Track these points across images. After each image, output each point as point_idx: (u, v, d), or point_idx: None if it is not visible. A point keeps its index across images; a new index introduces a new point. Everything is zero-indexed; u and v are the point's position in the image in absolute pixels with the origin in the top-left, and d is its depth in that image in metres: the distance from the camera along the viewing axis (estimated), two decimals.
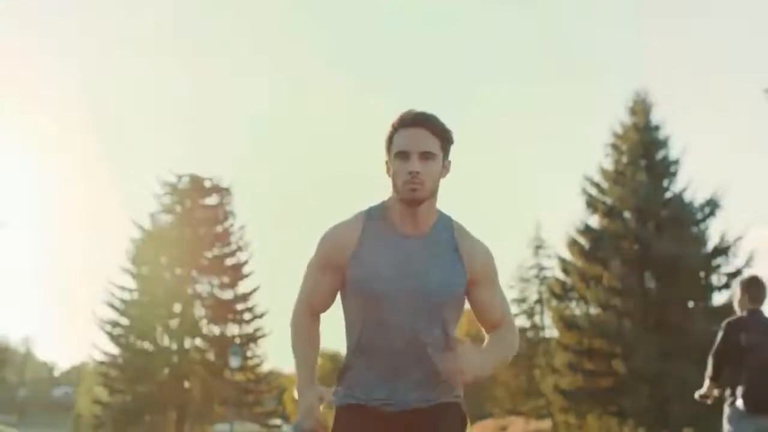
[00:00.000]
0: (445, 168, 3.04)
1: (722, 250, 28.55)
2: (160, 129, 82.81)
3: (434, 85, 78.45)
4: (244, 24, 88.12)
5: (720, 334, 6.29)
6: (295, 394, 3.05)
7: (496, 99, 79.65)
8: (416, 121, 2.99)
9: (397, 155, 2.98)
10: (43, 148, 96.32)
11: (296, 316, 3.12)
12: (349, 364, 3.08)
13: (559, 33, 76.26)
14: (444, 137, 3.01)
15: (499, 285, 3.16)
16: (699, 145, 64.88)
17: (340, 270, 3.03)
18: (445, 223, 3.07)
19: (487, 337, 3.16)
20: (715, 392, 6.37)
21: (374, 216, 3.06)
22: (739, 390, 6.07)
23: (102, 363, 36.67)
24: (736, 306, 6.41)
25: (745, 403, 5.98)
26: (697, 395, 6.47)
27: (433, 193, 3.01)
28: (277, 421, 41.85)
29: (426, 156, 2.96)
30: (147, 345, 36.02)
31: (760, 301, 6.30)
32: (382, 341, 2.98)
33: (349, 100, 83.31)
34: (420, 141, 2.96)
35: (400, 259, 2.98)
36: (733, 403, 6.15)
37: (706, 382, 6.37)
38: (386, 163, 3.06)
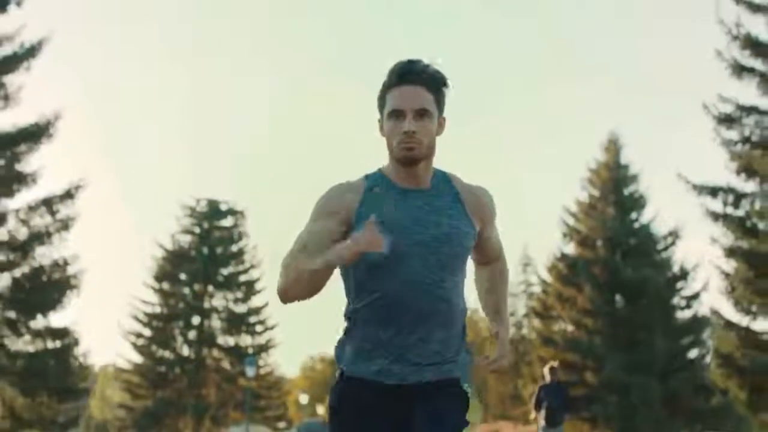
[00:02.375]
0: (441, 125, 2.99)
1: (682, 276, 33.63)
2: (166, 141, 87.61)
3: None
4: (245, 25, 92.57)
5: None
6: (314, 265, 2.82)
7: (495, 105, 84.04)
8: (410, 78, 2.93)
9: (391, 114, 2.93)
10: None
11: (288, 263, 2.90)
12: (355, 329, 3.01)
13: (559, 38, 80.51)
14: (439, 92, 2.97)
15: (495, 223, 3.18)
16: (667, 179, 69.74)
17: (345, 223, 2.95)
18: (442, 176, 3.06)
19: (480, 270, 3.28)
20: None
21: (374, 177, 3.03)
22: None
23: (126, 370, 41.63)
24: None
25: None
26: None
27: (431, 152, 2.98)
28: (282, 424, 46.82)
29: (421, 114, 2.91)
30: (167, 354, 40.78)
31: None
32: (396, 298, 2.91)
33: (351, 104, 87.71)
34: (415, 99, 2.91)
35: (407, 212, 2.94)
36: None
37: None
38: (379, 122, 3.01)
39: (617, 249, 33.86)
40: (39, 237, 20.29)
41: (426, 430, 2.91)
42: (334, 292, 3.10)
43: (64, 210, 20.60)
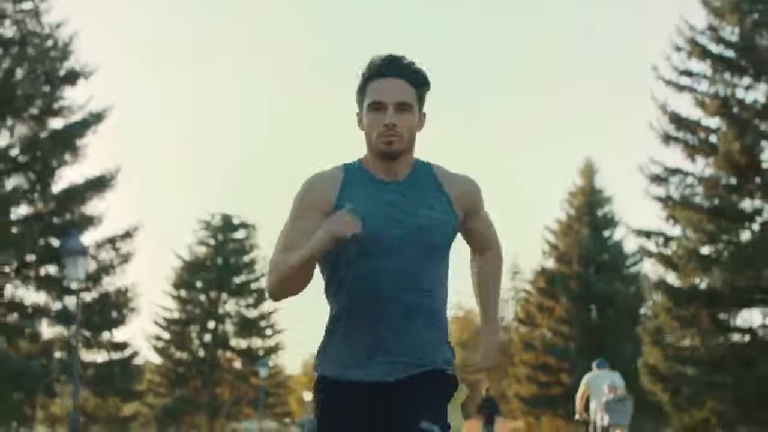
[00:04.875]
0: (420, 121, 3.04)
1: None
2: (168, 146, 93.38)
3: (434, 87, 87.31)
4: (245, 25, 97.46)
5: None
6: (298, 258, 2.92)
7: (493, 107, 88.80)
8: (391, 70, 2.98)
9: (371, 107, 2.97)
10: None
11: (274, 263, 2.99)
12: (333, 328, 3.05)
13: (558, 41, 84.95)
14: (420, 86, 3.01)
15: (485, 210, 3.22)
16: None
17: (324, 214, 2.99)
18: (423, 167, 3.09)
19: (474, 259, 3.30)
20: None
21: (352, 167, 3.07)
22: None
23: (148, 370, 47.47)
24: None
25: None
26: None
27: (410, 146, 3.01)
28: (288, 420, 52.75)
29: (402, 107, 2.95)
30: (185, 355, 45.94)
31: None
32: (374, 292, 2.95)
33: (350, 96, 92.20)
34: (395, 92, 2.95)
35: (384, 204, 2.98)
36: None
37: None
38: (357, 115, 3.05)
39: (591, 264, 39.86)
40: (105, 269, 26.31)
41: (407, 426, 2.92)
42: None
43: (124, 247, 26.69)
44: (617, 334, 39.33)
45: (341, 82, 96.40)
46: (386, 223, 2.97)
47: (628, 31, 79.81)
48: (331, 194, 3.02)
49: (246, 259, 48.03)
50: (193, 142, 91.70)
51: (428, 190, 3.05)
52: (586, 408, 14.67)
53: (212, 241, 47.92)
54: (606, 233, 40.90)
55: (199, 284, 46.78)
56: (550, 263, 41.22)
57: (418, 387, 2.99)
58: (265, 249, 52.62)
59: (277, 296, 3.04)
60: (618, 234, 40.74)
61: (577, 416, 14.80)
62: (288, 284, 2.99)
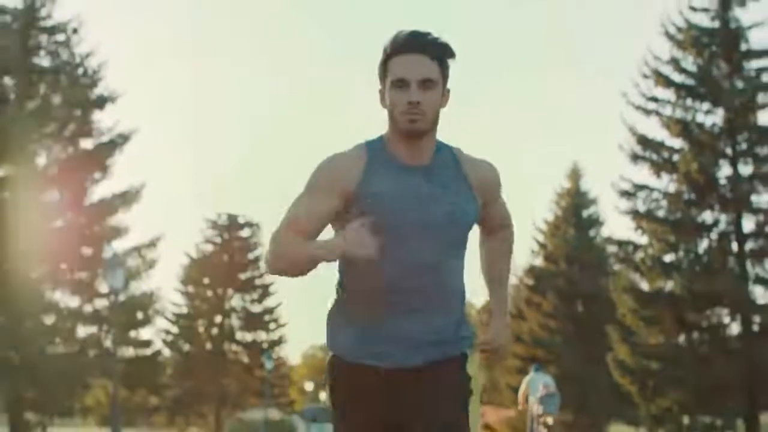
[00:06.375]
0: (445, 97, 3.04)
1: None
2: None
3: None
4: (246, 24, 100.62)
5: None
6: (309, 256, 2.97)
7: (502, 91, 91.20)
8: (415, 46, 2.97)
9: (394, 84, 2.97)
10: None
11: (277, 235, 3.00)
12: (349, 311, 3.09)
13: (566, 26, 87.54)
14: (444, 63, 3.01)
15: (502, 195, 3.29)
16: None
17: (343, 198, 2.99)
18: (446, 150, 3.10)
19: (484, 239, 3.36)
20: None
21: (375, 148, 3.05)
22: None
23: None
24: None
25: None
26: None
27: (434, 124, 3.01)
28: (289, 409, 56.29)
29: (426, 84, 2.95)
30: (193, 348, 49.23)
31: None
32: (393, 281, 2.97)
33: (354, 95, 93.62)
34: (419, 68, 2.95)
35: (409, 190, 2.99)
36: None
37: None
38: (380, 92, 3.05)
39: (576, 263, 43.62)
40: (132, 275, 30.11)
41: (425, 412, 2.97)
42: (331, 280, 3.15)
43: (149, 254, 30.53)
44: (601, 327, 43.10)
45: (347, 77, 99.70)
46: (408, 210, 2.98)
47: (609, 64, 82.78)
48: (354, 179, 3.00)
49: (251, 256, 50.90)
50: (197, 144, 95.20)
51: (452, 176, 3.07)
52: (527, 402, 18.98)
53: (218, 239, 51.01)
54: (591, 233, 44.65)
55: (206, 280, 49.81)
56: (539, 261, 45.00)
57: (440, 374, 3.03)
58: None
59: (273, 272, 3.05)
60: (605, 231, 44.51)
61: (519, 407, 19.18)
62: (287, 268, 3.02)
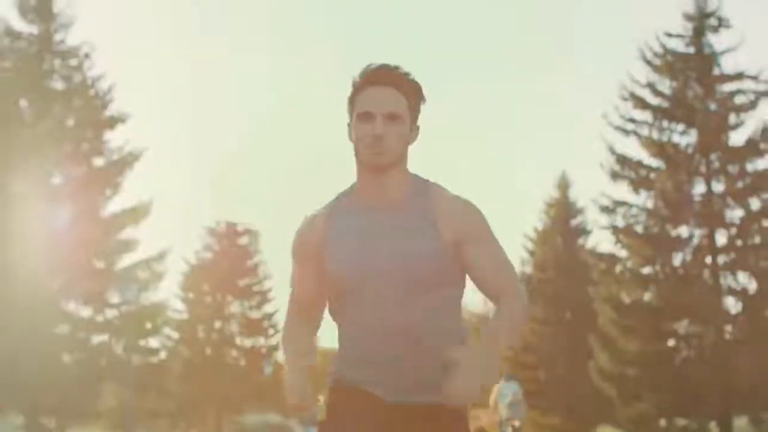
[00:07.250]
0: (413, 132, 3.01)
1: None
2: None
3: (428, 78, 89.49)
4: (253, 44, 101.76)
5: None
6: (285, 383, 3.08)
7: (481, 92, 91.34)
8: (381, 79, 2.95)
9: (360, 116, 2.94)
10: None
11: (286, 317, 3.20)
12: (339, 368, 3.15)
13: (545, 23, 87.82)
14: (413, 97, 2.98)
15: (493, 243, 3.06)
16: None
17: (315, 260, 3.06)
18: (420, 187, 3.04)
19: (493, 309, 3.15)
20: None
21: (342, 195, 3.07)
22: None
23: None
24: None
25: None
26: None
27: (401, 159, 2.98)
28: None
29: (392, 117, 2.92)
30: (193, 354, 50.61)
31: None
32: (362, 325, 2.99)
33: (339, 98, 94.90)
34: (385, 101, 2.93)
35: (364, 237, 2.97)
36: None
37: None
38: (348, 126, 3.02)
39: (564, 271, 45.86)
40: (141, 286, 32.30)
41: None
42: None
43: (157, 267, 32.71)
44: (588, 334, 45.29)
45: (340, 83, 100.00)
46: (364, 258, 2.96)
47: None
48: (318, 235, 3.05)
49: (249, 263, 52.35)
50: (201, 157, 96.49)
51: (415, 218, 2.98)
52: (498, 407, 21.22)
53: (218, 247, 52.53)
54: (580, 241, 46.90)
55: (205, 287, 51.16)
56: (529, 269, 47.24)
57: (429, 420, 3.04)
58: (266, 253, 58.24)
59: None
60: (589, 243, 46.74)
61: (491, 411, 21.35)
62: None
